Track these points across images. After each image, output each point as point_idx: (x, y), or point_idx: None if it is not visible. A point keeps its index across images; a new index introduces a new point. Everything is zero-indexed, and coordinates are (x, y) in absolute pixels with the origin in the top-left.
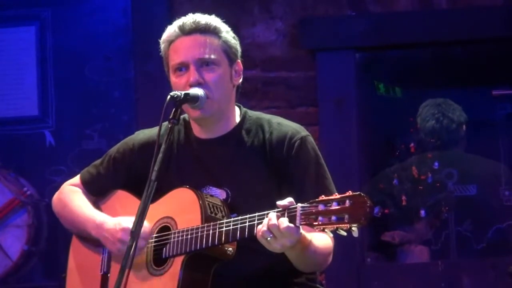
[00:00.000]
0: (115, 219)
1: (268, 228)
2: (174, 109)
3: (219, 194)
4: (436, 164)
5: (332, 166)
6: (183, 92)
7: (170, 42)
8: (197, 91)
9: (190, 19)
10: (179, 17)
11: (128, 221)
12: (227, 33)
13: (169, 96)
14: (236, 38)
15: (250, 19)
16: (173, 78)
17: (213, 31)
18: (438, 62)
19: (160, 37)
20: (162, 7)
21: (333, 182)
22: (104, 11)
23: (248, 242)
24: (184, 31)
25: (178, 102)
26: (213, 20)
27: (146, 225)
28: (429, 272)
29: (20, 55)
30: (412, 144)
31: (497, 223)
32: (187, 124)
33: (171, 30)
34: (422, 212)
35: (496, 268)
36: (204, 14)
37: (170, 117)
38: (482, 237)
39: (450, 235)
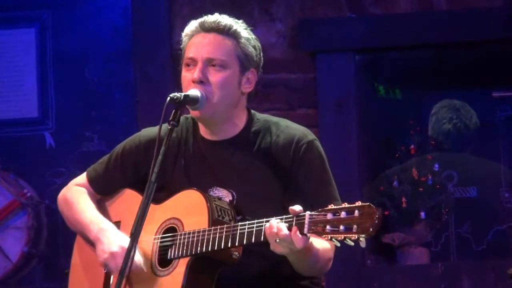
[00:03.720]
0: (120, 233)
1: (278, 235)
2: (174, 110)
3: (225, 195)
4: (436, 166)
5: (332, 168)
6: (182, 94)
7: (190, 36)
8: (197, 93)
9: (212, 18)
10: (178, 19)
11: (127, 241)
12: (247, 41)
13: (168, 98)
14: (258, 48)
15: (250, 21)
16: (183, 71)
17: (231, 34)
18: (438, 64)
19: (160, 39)
20: (162, 9)
21: (337, 190)
22: (104, 13)
23: (254, 246)
24: (204, 28)
25: (177, 104)
26: (236, 25)
27: (137, 257)
28: (429, 274)
29: (20, 57)
30: (412, 146)
31: (497, 224)
32: (194, 123)
33: (192, 25)
34: (422, 214)
35: (496, 270)
36: (202, 16)
37: (170, 118)
38: (482, 239)
39: (450, 237)
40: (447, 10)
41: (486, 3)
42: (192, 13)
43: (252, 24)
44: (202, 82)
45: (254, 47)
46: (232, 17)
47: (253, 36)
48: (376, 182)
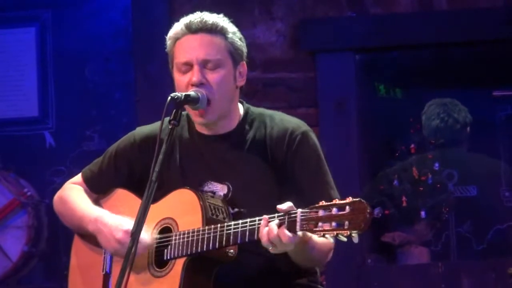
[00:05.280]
0: (116, 217)
1: (269, 240)
2: (174, 110)
3: (220, 189)
4: (437, 165)
5: (332, 167)
6: (183, 94)
7: (176, 39)
8: (198, 93)
9: (197, 17)
10: (179, 19)
11: (130, 223)
12: (234, 34)
13: (169, 97)
14: (243, 39)
15: (250, 20)
16: (176, 76)
17: (219, 31)
18: (438, 63)
19: (160, 38)
20: (162, 8)
21: (333, 180)
22: (104, 12)
23: (249, 244)
24: (191, 30)
25: (178, 104)
26: (221, 20)
27: (146, 235)
28: (429, 273)
29: (20, 56)
30: (412, 145)
31: (497, 224)
32: (189, 119)
33: (178, 27)
34: (422, 213)
35: (496, 270)
36: (199, 14)
37: (171, 118)
38: (482, 238)
39: (450, 236)
40: (448, 10)
41: (486, 3)
42: (192, 12)
43: (252, 23)
44: (202, 84)
45: (240, 39)
46: (233, 16)
47: (236, 29)
48: (376, 181)
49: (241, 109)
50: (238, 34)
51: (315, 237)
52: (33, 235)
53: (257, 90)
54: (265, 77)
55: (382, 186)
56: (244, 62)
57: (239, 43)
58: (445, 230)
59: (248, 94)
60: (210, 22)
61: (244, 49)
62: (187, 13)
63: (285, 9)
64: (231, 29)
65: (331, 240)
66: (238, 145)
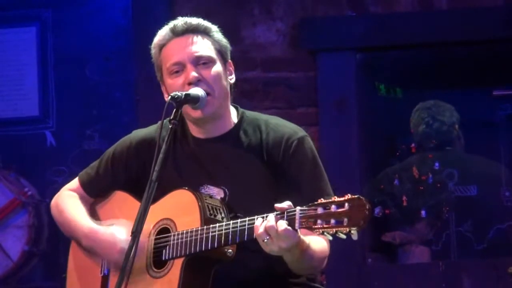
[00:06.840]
0: (106, 230)
1: (266, 230)
2: (174, 109)
3: (216, 193)
4: (437, 164)
5: (332, 167)
6: (183, 93)
7: (162, 46)
8: (198, 91)
9: (180, 21)
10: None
11: (122, 233)
12: (218, 33)
13: (169, 97)
14: (226, 39)
15: (251, 20)
16: (169, 81)
17: (204, 31)
18: (438, 62)
19: None
20: (162, 8)
21: (330, 184)
22: (105, 12)
23: (248, 243)
24: (177, 33)
25: (178, 103)
26: (204, 22)
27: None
28: (429, 273)
29: (20, 55)
30: (412, 145)
31: (498, 223)
32: (183, 122)
33: (163, 33)
34: (423, 213)
35: (497, 269)
36: (203, 15)
37: (171, 117)
38: (482, 237)
39: (450, 235)
40: (448, 9)
41: (486, 3)
42: (192, 12)
43: (252, 23)
44: (199, 81)
45: (224, 38)
46: (233, 16)
47: (218, 29)
48: (377, 181)
49: (235, 112)
50: (221, 34)
51: (313, 245)
52: (34, 234)
53: (257, 89)
54: (265, 76)
55: (382, 185)
56: (231, 61)
57: (224, 41)
58: (445, 230)
59: (248, 93)
60: (194, 23)
61: (229, 47)
62: (187, 12)
63: (285, 9)
64: (215, 29)
65: (330, 238)
66: (233, 148)
